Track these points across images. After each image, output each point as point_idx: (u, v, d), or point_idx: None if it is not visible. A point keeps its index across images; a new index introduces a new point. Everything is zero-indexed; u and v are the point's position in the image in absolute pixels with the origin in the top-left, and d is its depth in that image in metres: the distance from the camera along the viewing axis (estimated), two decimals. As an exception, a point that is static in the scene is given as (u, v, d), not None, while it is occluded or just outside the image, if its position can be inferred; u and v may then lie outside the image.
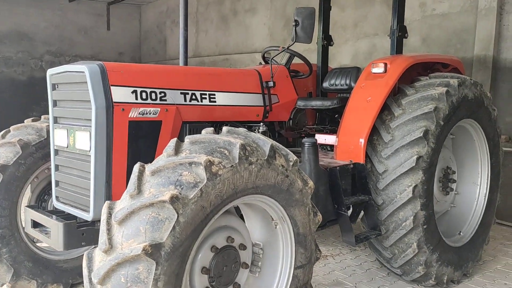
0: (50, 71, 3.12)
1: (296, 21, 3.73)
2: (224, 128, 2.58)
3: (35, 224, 3.15)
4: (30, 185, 3.60)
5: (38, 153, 3.51)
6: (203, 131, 2.54)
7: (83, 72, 2.79)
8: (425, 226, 3.60)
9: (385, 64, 3.86)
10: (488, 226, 4.38)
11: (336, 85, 4.59)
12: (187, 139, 2.41)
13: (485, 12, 6.46)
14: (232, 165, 2.27)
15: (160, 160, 2.27)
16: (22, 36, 13.04)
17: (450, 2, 7.01)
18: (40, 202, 3.71)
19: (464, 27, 6.84)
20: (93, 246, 2.76)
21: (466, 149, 4.36)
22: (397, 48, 4.43)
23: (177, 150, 2.32)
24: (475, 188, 4.38)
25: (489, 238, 4.45)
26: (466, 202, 4.39)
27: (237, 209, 2.79)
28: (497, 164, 4.37)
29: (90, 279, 2.12)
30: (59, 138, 3.08)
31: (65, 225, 2.80)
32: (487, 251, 4.72)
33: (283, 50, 4.05)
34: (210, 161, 2.19)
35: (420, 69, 4.37)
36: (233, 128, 2.59)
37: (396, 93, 3.92)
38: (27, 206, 3.34)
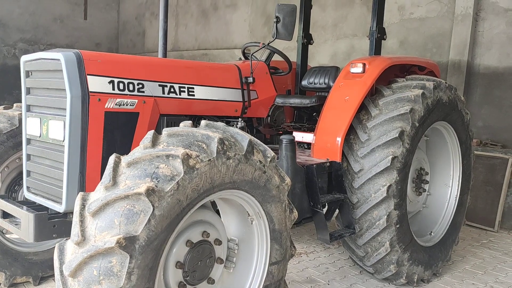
0: (24, 58, 3.03)
1: (277, 17, 3.73)
2: (203, 122, 2.56)
3: (5, 215, 3.06)
4: (0, 174, 3.50)
5: (9, 142, 3.41)
6: (181, 124, 2.51)
7: (59, 59, 2.72)
8: (398, 226, 3.65)
9: (364, 64, 3.90)
10: (458, 227, 4.48)
11: (315, 83, 4.62)
12: (165, 131, 2.38)
13: (461, 18, 6.60)
14: (210, 159, 2.25)
15: (137, 152, 2.23)
16: (-5, 22, 12.66)
17: (428, 7, 7.14)
18: (10, 192, 3.62)
19: (441, 32, 6.98)
20: (65, 239, 2.70)
21: (439, 151, 4.45)
22: (376, 49, 4.48)
23: (154, 142, 2.29)
24: (446, 189, 4.48)
25: (458, 239, 4.55)
26: (437, 203, 4.49)
27: (213, 204, 2.77)
28: (468, 166, 4.48)
29: (61, 272, 2.07)
30: (31, 126, 3.00)
31: (36, 216, 2.72)
32: (456, 251, 4.83)
33: (264, 46, 4.04)
34: (187, 154, 2.16)
35: (397, 71, 4.44)
36: (211, 122, 2.58)
37: (374, 94, 3.96)
38: (-4, 196, 3.24)
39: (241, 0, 10.45)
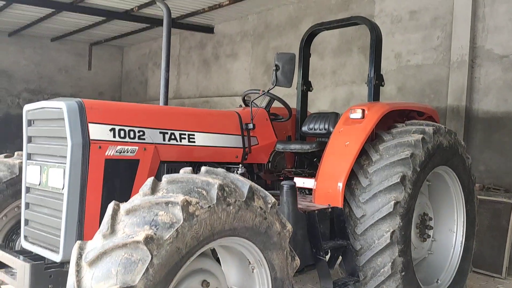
0: (26, 107, 3.07)
1: (276, 65, 3.80)
2: (203, 168, 2.55)
3: (1, 265, 2.99)
4: (-2, 223, 3.46)
5: (8, 190, 3.40)
6: (181, 171, 2.50)
7: (61, 108, 2.75)
8: (403, 273, 3.56)
9: (363, 110, 3.93)
10: (465, 274, 4.37)
11: (315, 129, 4.64)
12: (165, 178, 2.37)
13: (457, 65, 6.73)
14: (210, 206, 2.23)
15: (136, 199, 2.21)
16: (1, 73, 12.96)
17: (424, 55, 7.30)
18: (8, 241, 3.57)
19: (437, 78, 7.10)
20: (61, 289, 2.63)
21: (442, 196, 4.40)
22: (374, 95, 4.53)
23: (153, 189, 2.27)
24: (451, 235, 4.40)
25: (466, 287, 4.42)
26: (443, 249, 4.39)
27: (213, 251, 2.72)
28: (472, 211, 4.42)
29: (55, 324, 2.00)
30: (31, 175, 2.99)
31: (32, 266, 2.66)
32: (464, 299, 4.67)
33: (264, 94, 4.10)
34: (187, 201, 2.14)
35: (396, 117, 4.46)
36: (211, 168, 2.57)
37: (374, 139, 3.97)
38: (-8, 246, 3.19)
39: (242, 49, 10.73)
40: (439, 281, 4.23)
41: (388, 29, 7.62)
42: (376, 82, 4.51)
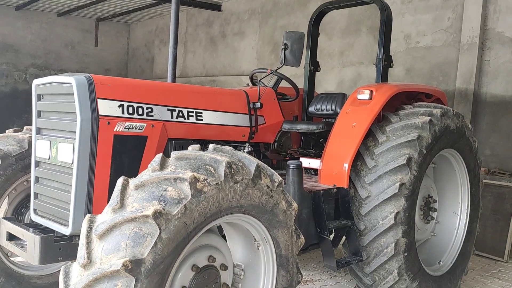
0: (36, 81, 3.08)
1: (285, 44, 3.78)
2: (211, 146, 2.57)
3: (11, 237, 3.06)
4: (7, 196, 3.51)
5: (18, 164, 3.43)
6: (190, 148, 2.53)
7: (70, 83, 2.76)
8: (406, 254, 3.60)
9: (371, 91, 3.92)
10: (467, 257, 4.41)
11: (321, 110, 4.64)
12: (173, 154, 2.39)
13: (467, 47, 6.66)
14: (217, 183, 2.25)
15: (145, 175, 2.24)
16: (8, 48, 12.94)
17: (434, 36, 7.23)
18: (17, 215, 3.62)
19: (447, 60, 7.04)
20: (71, 261, 2.69)
21: (447, 178, 4.41)
22: (383, 76, 4.50)
23: (162, 165, 2.30)
24: (455, 217, 4.42)
25: (468, 269, 4.47)
26: (446, 232, 4.42)
27: (219, 228, 2.76)
28: (477, 195, 4.43)
29: (66, 295, 2.05)
30: (41, 149, 3.03)
31: (42, 239, 2.71)
32: (465, 281, 4.73)
33: (271, 73, 4.09)
34: (195, 177, 2.17)
35: (404, 98, 4.45)
36: (219, 146, 2.59)
37: (381, 120, 3.97)
38: (3, 218, 3.24)
39: (249, 28, 10.64)
40: (441, 263, 4.27)
41: (398, 9, 7.53)
42: (385, 64, 4.47)
